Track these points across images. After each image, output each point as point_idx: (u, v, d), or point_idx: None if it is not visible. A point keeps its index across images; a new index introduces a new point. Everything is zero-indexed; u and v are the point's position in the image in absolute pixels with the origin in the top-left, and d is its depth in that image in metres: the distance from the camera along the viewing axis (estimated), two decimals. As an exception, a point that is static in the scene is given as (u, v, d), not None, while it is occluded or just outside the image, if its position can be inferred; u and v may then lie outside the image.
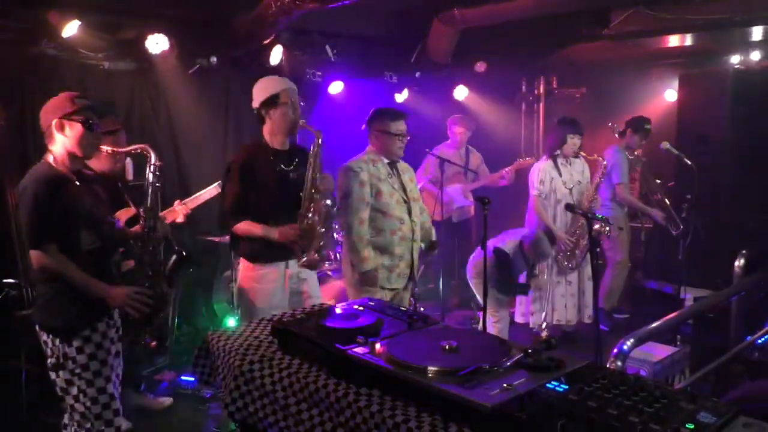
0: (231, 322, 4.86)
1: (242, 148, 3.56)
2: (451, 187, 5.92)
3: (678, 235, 4.99)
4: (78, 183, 2.71)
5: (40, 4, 4.18)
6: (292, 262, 3.37)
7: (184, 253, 3.18)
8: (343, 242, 3.91)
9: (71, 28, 4.24)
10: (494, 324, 4.56)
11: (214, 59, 5.11)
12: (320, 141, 3.28)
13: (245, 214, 3.29)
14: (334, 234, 5.32)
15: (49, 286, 2.65)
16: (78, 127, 2.66)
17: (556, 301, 5.09)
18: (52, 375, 2.71)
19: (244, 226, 3.29)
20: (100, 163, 3.67)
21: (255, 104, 3.39)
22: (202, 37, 5.10)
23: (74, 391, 2.67)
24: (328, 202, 3.37)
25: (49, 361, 2.71)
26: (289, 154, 3.43)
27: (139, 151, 2.90)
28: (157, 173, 2.86)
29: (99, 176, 3.24)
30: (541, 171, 5.04)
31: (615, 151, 5.58)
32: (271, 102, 3.33)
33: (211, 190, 4.32)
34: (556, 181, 5.02)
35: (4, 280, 3.62)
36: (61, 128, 2.65)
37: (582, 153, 5.15)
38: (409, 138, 3.85)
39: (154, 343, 2.83)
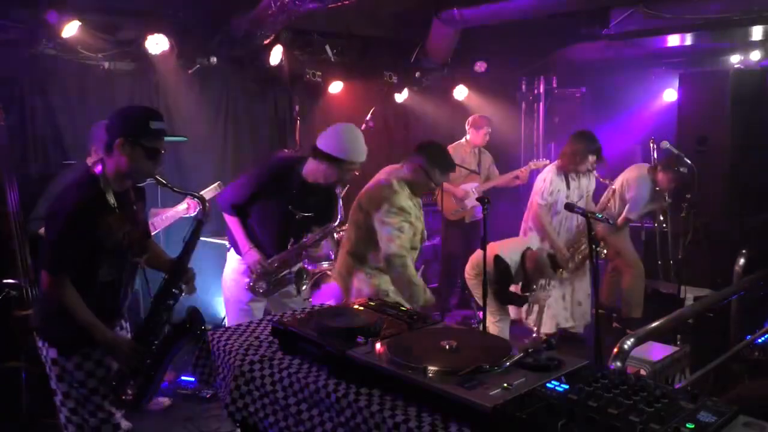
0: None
1: (286, 158, 3.75)
2: (467, 185, 5.92)
3: (678, 234, 4.98)
4: (118, 207, 2.49)
5: (40, 4, 4.18)
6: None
7: (188, 325, 2.71)
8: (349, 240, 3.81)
9: (71, 28, 4.24)
10: (495, 323, 4.54)
11: (214, 59, 5.11)
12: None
13: (238, 214, 3.41)
14: (334, 234, 5.32)
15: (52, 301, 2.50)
16: (141, 152, 2.44)
17: (553, 307, 5.09)
18: (51, 383, 2.60)
19: (230, 224, 3.44)
20: None
21: (326, 147, 3.28)
22: (202, 37, 5.10)
23: (71, 404, 2.55)
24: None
25: (47, 367, 2.59)
26: (306, 191, 3.45)
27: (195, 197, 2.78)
28: (200, 228, 2.69)
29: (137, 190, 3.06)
30: (551, 183, 4.94)
31: (644, 182, 5.14)
32: (334, 160, 3.26)
33: (212, 190, 4.33)
34: (561, 193, 4.99)
35: (4, 280, 3.64)
36: (125, 149, 2.42)
37: (596, 174, 5.07)
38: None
39: (131, 397, 2.59)
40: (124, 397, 2.57)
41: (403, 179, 3.50)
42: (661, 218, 5.50)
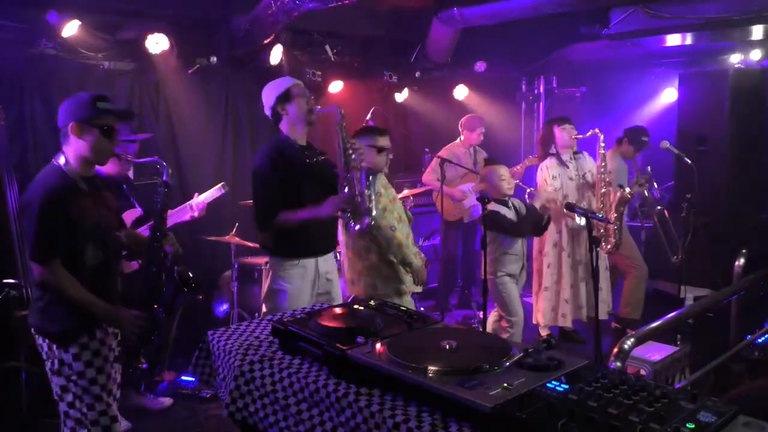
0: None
1: (263, 148, 3.48)
2: (465, 185, 5.92)
3: (678, 234, 4.98)
4: (89, 192, 2.61)
5: (40, 4, 4.18)
6: (322, 259, 3.38)
7: (189, 274, 2.91)
8: (348, 238, 3.82)
9: (71, 28, 4.24)
10: (507, 329, 4.40)
11: (214, 59, 5.11)
12: (342, 113, 3.38)
13: (282, 207, 3.28)
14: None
15: (47, 291, 2.58)
16: (96, 133, 2.56)
17: (550, 301, 5.08)
18: (50, 377, 2.65)
19: (288, 216, 3.25)
20: (109, 166, 3.69)
21: (268, 107, 3.42)
22: (202, 37, 5.10)
23: (69, 397, 2.60)
24: (363, 164, 3.37)
25: (46, 364, 2.65)
26: (310, 146, 3.52)
27: (152, 163, 2.84)
28: (167, 190, 2.77)
29: (109, 180, 3.18)
30: (549, 168, 5.00)
31: (612, 157, 5.42)
32: (285, 98, 3.39)
33: (215, 191, 4.31)
34: (564, 175, 5.00)
35: (4, 280, 3.65)
36: (78, 132, 2.55)
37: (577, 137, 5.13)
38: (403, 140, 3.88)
39: (145, 365, 2.72)
40: (139, 367, 2.69)
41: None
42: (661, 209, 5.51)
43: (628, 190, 4.98)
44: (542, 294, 5.09)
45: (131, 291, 2.84)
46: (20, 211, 2.57)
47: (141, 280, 2.78)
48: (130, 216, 3.88)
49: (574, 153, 5.15)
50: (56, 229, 2.47)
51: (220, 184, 4.35)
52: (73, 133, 2.56)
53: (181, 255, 2.83)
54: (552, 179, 4.97)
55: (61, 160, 2.59)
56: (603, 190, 5.00)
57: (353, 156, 3.27)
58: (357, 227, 3.26)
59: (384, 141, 3.74)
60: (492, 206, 4.25)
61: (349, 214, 3.23)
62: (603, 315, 5.15)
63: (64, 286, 2.51)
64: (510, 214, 4.38)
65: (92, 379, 2.60)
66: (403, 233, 3.69)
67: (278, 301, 3.34)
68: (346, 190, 3.22)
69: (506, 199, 4.43)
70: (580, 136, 5.11)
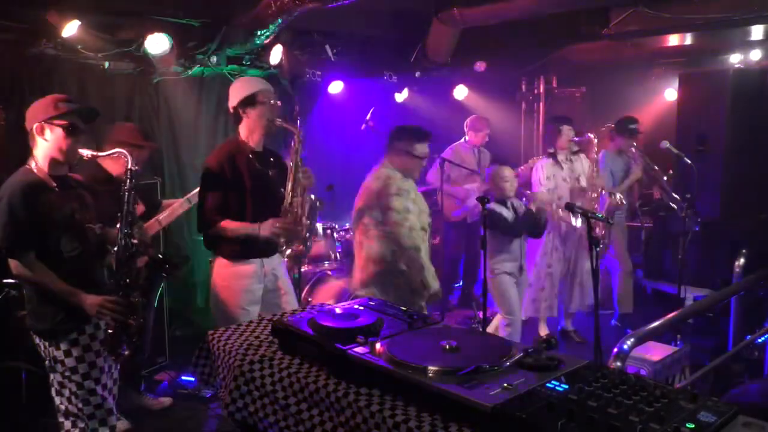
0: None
1: (218, 147, 3.55)
2: (468, 186, 5.92)
3: (678, 234, 4.98)
4: (58, 189, 2.65)
5: (40, 4, 4.18)
6: (267, 260, 3.41)
7: (160, 257, 3.05)
8: (363, 239, 3.81)
9: (71, 28, 4.23)
10: (505, 328, 4.46)
11: (214, 59, 5.10)
12: (300, 138, 3.34)
13: (225, 214, 3.29)
14: (334, 234, 5.32)
15: (35, 290, 2.64)
16: (59, 132, 2.62)
17: (534, 293, 5.11)
18: (50, 376, 2.73)
19: (228, 225, 3.29)
20: (116, 166, 3.68)
21: (231, 104, 3.42)
22: (202, 37, 5.09)
23: (66, 392, 2.68)
24: (312, 196, 3.37)
25: (46, 362, 2.72)
26: (265, 154, 3.47)
27: (115, 155, 2.83)
28: (133, 179, 2.77)
29: (95, 178, 3.21)
30: (544, 168, 5.07)
31: (605, 157, 5.47)
32: (249, 101, 3.36)
33: (180, 205, 4.19)
34: (558, 177, 5.03)
35: (4, 280, 3.65)
36: (42, 132, 2.62)
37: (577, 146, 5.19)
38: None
39: (127, 353, 2.73)
40: (122, 354, 2.71)
41: (391, 168, 3.66)
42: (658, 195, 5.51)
43: (618, 196, 5.01)
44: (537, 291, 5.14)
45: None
46: None
47: (112, 269, 2.81)
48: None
49: (571, 153, 5.17)
50: (25, 221, 2.53)
51: (183, 198, 4.18)
52: (38, 133, 2.62)
53: (148, 243, 2.91)
54: (546, 179, 5.00)
55: (31, 163, 2.66)
56: (594, 195, 5.03)
57: (302, 182, 3.31)
58: (288, 252, 3.34)
59: (422, 148, 3.67)
60: (491, 205, 4.27)
61: (284, 240, 3.29)
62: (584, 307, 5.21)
63: (38, 277, 2.57)
64: (508, 214, 4.40)
65: (85, 374, 2.66)
66: (426, 242, 3.67)
67: (223, 300, 3.40)
68: (290, 214, 3.28)
69: (506, 200, 4.45)
70: (576, 139, 5.14)
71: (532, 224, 4.54)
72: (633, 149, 5.49)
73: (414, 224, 3.57)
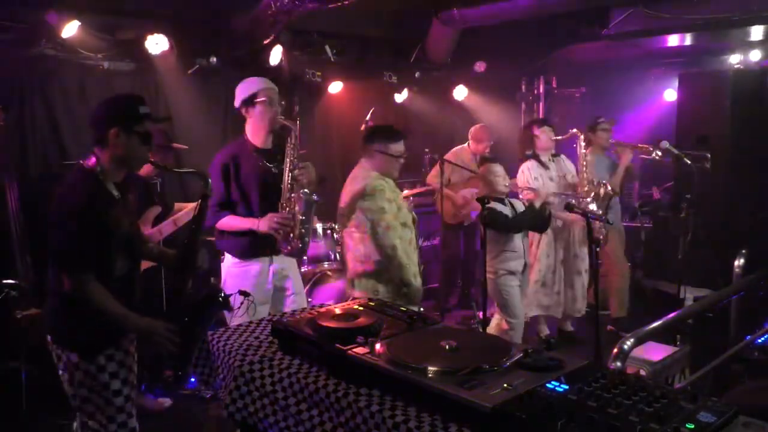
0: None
1: (226, 146, 3.64)
2: (467, 192, 5.91)
3: (678, 234, 4.98)
4: (120, 199, 2.52)
5: (40, 4, 4.18)
6: (277, 258, 3.45)
7: (216, 291, 2.88)
8: (348, 241, 3.83)
9: (71, 29, 4.24)
10: (507, 331, 4.39)
11: (214, 59, 5.11)
12: (296, 133, 3.38)
13: (228, 209, 3.39)
14: (334, 234, 5.32)
15: (72, 301, 2.44)
16: (135, 139, 2.46)
17: (536, 293, 5.08)
18: (66, 387, 2.55)
19: (229, 221, 3.38)
20: (142, 169, 3.72)
21: (236, 104, 3.50)
22: (202, 37, 5.10)
23: (90, 408, 2.51)
24: (307, 190, 3.39)
25: (62, 375, 2.54)
26: (272, 152, 3.52)
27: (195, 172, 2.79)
28: (203, 203, 2.69)
29: (132, 179, 3.10)
30: (530, 170, 5.00)
31: (590, 154, 5.35)
32: (250, 101, 3.43)
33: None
34: (544, 176, 5.02)
35: (4, 281, 3.65)
36: (119, 138, 2.43)
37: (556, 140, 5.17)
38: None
39: (169, 372, 2.65)
40: (165, 377, 2.65)
41: (366, 169, 3.65)
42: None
43: (610, 187, 5.00)
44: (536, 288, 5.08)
45: (149, 294, 2.80)
46: (54, 219, 2.44)
47: (169, 290, 2.77)
48: (151, 214, 3.95)
49: (552, 155, 5.16)
50: (91, 243, 2.37)
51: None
52: (113, 138, 2.43)
53: (204, 267, 2.84)
54: (534, 180, 4.98)
55: (91, 160, 2.46)
56: (586, 188, 5.02)
57: (299, 178, 3.35)
58: (287, 249, 3.36)
59: (397, 147, 3.65)
60: (488, 205, 4.25)
61: (281, 235, 3.33)
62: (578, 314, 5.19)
63: (96, 299, 2.40)
64: (506, 210, 4.37)
65: (116, 391, 2.52)
66: (406, 239, 3.62)
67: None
68: (287, 210, 3.33)
69: (503, 197, 4.42)
70: (559, 137, 5.13)
71: (534, 218, 4.46)
72: (612, 142, 5.45)
73: (390, 222, 3.52)
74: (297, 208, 3.36)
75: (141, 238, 2.71)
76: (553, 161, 5.15)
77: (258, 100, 3.41)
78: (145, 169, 3.81)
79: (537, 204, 4.53)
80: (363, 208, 3.53)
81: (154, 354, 2.60)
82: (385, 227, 3.52)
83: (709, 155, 4.74)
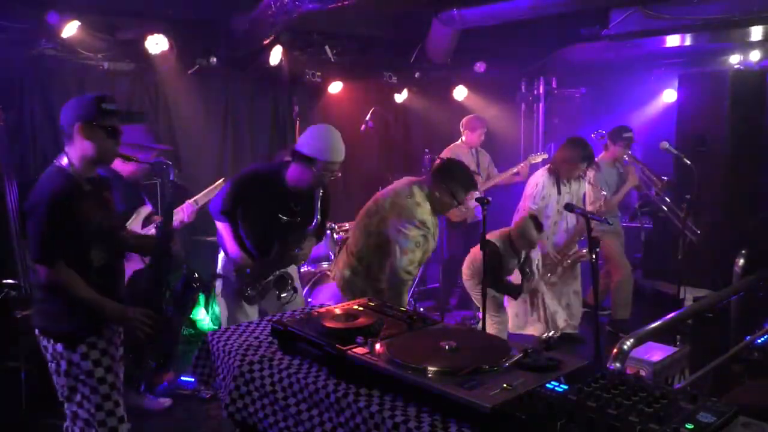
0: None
1: (263, 166, 3.66)
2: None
3: (677, 234, 4.98)
4: (92, 193, 2.61)
5: (40, 4, 4.19)
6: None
7: (195, 276, 3.05)
8: (356, 243, 3.79)
9: (71, 29, 4.24)
10: (494, 326, 4.50)
11: (214, 59, 5.11)
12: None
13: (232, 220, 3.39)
14: (334, 234, 5.32)
15: (53, 292, 2.56)
16: (101, 133, 2.54)
17: (551, 306, 5.06)
18: (55, 379, 2.64)
19: (223, 229, 3.39)
20: (125, 166, 3.71)
21: (297, 147, 3.31)
22: (202, 37, 5.10)
23: (77, 397, 2.60)
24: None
25: (50, 365, 2.63)
26: (302, 193, 3.42)
27: (153, 160, 2.84)
28: (174, 190, 2.77)
29: (111, 178, 3.17)
30: (543, 188, 4.95)
31: (603, 165, 5.35)
32: (308, 160, 3.26)
33: (213, 189, 4.28)
34: (552, 198, 4.98)
35: (4, 281, 3.65)
36: (85, 133, 2.52)
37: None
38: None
39: (155, 365, 2.75)
40: (147, 366, 2.73)
41: (428, 194, 3.53)
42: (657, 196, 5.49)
43: (612, 203, 4.99)
44: (511, 301, 5.02)
45: (135, 290, 2.85)
46: (27, 213, 2.54)
47: (147, 279, 2.80)
48: (141, 213, 3.92)
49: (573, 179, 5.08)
50: (62, 233, 2.46)
51: (220, 180, 4.30)
52: (78, 134, 2.53)
53: (182, 255, 2.86)
54: (541, 199, 4.93)
55: (64, 161, 2.56)
56: (591, 208, 5.03)
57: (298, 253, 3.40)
58: (243, 294, 3.36)
59: (464, 198, 3.59)
60: (502, 246, 4.41)
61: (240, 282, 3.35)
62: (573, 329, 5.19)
63: (72, 286, 2.50)
64: (509, 264, 4.49)
65: (101, 378, 2.60)
66: (416, 257, 3.55)
67: (228, 302, 3.44)
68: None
69: (520, 252, 4.52)
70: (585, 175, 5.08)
71: (516, 291, 4.63)
72: (626, 157, 5.39)
73: (415, 258, 3.48)
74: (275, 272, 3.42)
75: (117, 230, 2.76)
76: (570, 184, 5.05)
77: (314, 168, 3.25)
78: (129, 170, 3.79)
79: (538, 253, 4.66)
80: (399, 230, 3.43)
81: (134, 342, 2.67)
82: (410, 261, 3.45)
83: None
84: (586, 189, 5.21)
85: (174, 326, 2.75)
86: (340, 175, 3.43)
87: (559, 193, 4.98)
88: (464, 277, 4.73)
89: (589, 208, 5.13)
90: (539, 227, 4.49)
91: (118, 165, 3.70)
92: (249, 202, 3.36)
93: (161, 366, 2.75)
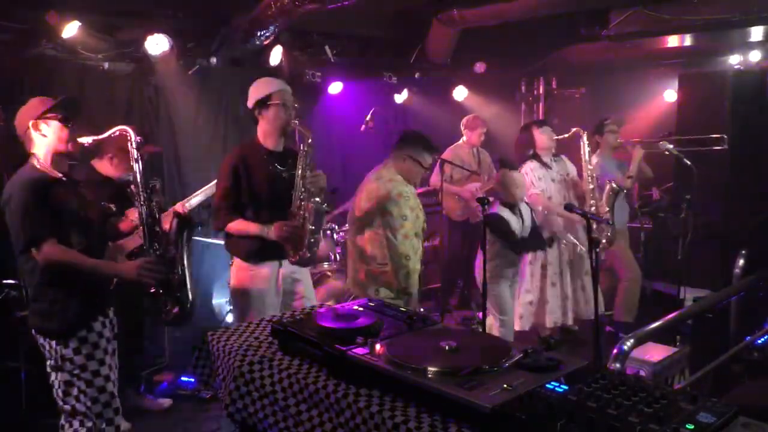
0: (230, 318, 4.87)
1: (236, 147, 3.57)
2: (472, 185, 5.92)
3: (677, 234, 4.97)
4: (64, 183, 2.70)
5: (40, 4, 4.18)
6: (286, 262, 3.40)
7: (182, 214, 3.28)
8: (351, 242, 3.82)
9: (71, 29, 4.23)
10: (498, 328, 4.45)
11: (214, 59, 5.11)
12: (310, 141, 3.31)
13: (239, 212, 3.33)
14: (334, 234, 5.32)
15: (42, 289, 2.65)
16: (56, 124, 2.67)
17: (552, 302, 5.05)
18: (52, 377, 2.70)
19: (239, 225, 3.32)
20: (113, 169, 3.72)
21: (249, 104, 3.43)
22: (202, 37, 5.10)
23: (74, 391, 2.67)
24: (318, 199, 3.35)
25: (48, 363, 2.70)
26: (283, 155, 3.46)
27: (117, 133, 2.87)
28: (140, 150, 2.87)
29: (97, 181, 3.25)
30: (533, 170, 5.01)
31: (599, 159, 5.35)
32: (264, 102, 3.36)
33: (208, 189, 4.27)
34: (548, 176, 5.02)
35: (4, 281, 3.65)
36: (38, 128, 2.66)
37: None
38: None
39: (176, 309, 2.87)
40: (170, 312, 2.87)
41: (395, 170, 3.68)
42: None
43: (614, 184, 4.99)
44: (521, 297, 5.02)
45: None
46: (3, 206, 2.61)
47: (142, 236, 2.90)
48: (132, 214, 3.91)
49: (553, 156, 5.15)
50: (46, 210, 2.57)
51: (212, 183, 4.27)
52: (34, 130, 2.65)
53: (162, 203, 3.07)
54: (538, 180, 4.98)
55: (33, 161, 2.69)
56: (591, 186, 5.00)
57: (309, 186, 3.29)
58: (294, 259, 3.32)
59: (428, 159, 3.73)
60: (498, 209, 4.27)
61: (291, 244, 3.29)
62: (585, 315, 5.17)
63: (72, 257, 2.59)
64: (516, 225, 4.38)
65: (95, 372, 2.68)
66: (418, 249, 3.69)
67: (243, 302, 3.41)
68: (297, 218, 3.27)
69: (515, 203, 4.41)
70: (560, 137, 5.13)
71: (537, 244, 4.59)
72: (620, 141, 5.40)
73: (409, 231, 3.58)
74: (307, 216, 3.29)
75: (95, 222, 2.84)
76: (555, 162, 5.14)
77: (272, 102, 3.34)
78: (119, 171, 3.79)
79: (539, 209, 4.56)
80: (385, 211, 3.54)
81: (149, 294, 2.83)
82: (404, 236, 3.55)
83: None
84: (572, 168, 5.24)
85: (178, 265, 2.92)
86: (297, 106, 3.49)
87: (550, 168, 5.07)
88: (478, 280, 4.66)
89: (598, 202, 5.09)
90: (513, 167, 4.54)
91: (106, 168, 3.73)
92: (244, 179, 3.32)
93: (181, 307, 2.90)
